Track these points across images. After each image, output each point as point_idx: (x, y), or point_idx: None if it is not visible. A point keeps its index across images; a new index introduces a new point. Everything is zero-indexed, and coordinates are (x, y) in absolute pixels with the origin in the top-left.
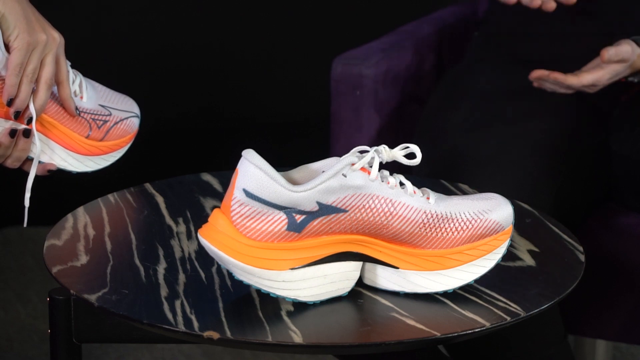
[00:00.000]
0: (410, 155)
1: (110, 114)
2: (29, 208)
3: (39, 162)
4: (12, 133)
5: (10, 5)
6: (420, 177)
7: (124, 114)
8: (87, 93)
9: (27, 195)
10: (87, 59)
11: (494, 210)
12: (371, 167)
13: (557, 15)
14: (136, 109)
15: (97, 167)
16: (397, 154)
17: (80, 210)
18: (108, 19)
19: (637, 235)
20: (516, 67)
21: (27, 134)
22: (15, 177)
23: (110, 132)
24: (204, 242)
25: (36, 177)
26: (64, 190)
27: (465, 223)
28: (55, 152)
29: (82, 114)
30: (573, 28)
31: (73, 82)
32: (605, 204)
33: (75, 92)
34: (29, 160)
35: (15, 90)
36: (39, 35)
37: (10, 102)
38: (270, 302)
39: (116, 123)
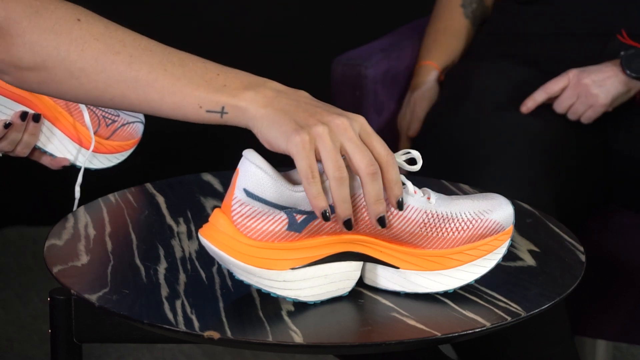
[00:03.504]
0: (411, 161)
1: (118, 116)
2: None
3: (53, 156)
4: (23, 116)
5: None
6: (420, 177)
7: (130, 118)
8: None
9: (77, 188)
10: None
11: (495, 210)
12: None
13: (557, 15)
14: (141, 115)
15: (100, 166)
16: (398, 159)
17: (81, 210)
18: (107, 17)
19: (637, 236)
20: (516, 67)
21: (37, 118)
22: (15, 177)
23: (117, 133)
24: (205, 242)
25: (42, 176)
26: (64, 190)
27: (465, 223)
28: (62, 144)
29: (94, 109)
30: (573, 28)
31: None
32: (605, 204)
33: None
34: (37, 150)
35: (324, 203)
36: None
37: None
38: (271, 302)
39: (123, 125)
